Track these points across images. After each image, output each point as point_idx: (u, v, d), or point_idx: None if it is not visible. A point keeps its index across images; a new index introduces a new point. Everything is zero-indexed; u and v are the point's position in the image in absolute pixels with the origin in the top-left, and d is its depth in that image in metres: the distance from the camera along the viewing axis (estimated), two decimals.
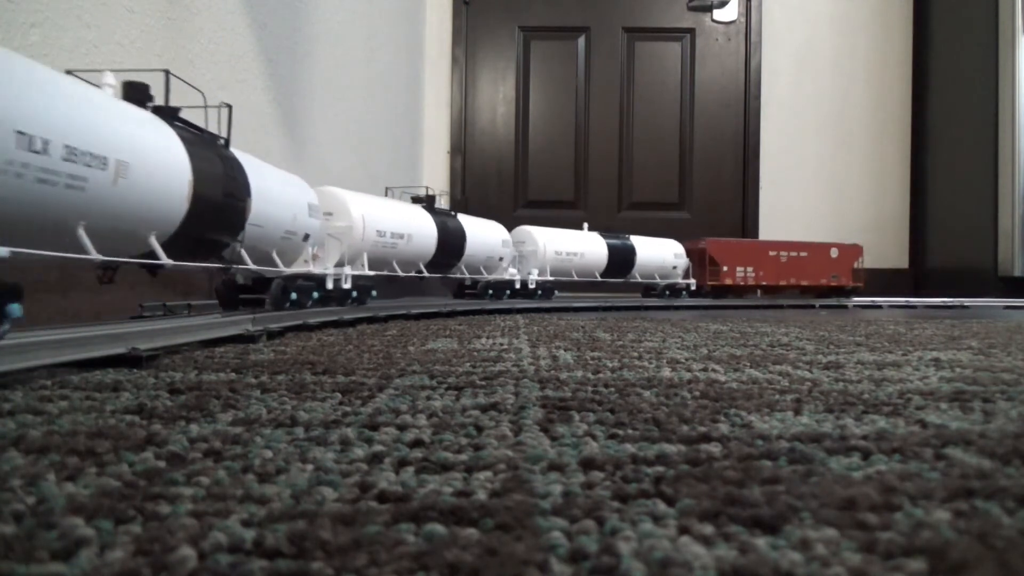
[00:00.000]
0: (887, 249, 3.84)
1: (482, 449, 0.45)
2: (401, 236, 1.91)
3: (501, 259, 2.44)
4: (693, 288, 3.17)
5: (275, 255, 1.38)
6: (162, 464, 0.41)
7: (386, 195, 2.15)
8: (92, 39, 1.22)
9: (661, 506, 0.34)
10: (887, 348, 1.14)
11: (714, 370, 0.84)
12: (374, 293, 1.84)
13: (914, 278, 3.80)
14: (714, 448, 0.45)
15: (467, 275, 2.32)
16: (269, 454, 0.43)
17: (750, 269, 3.22)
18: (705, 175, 3.80)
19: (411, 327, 1.52)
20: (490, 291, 2.38)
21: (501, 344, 1.15)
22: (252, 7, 1.76)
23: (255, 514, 0.32)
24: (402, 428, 0.51)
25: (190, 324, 1.04)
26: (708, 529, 0.31)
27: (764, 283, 3.26)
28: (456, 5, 3.76)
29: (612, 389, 0.69)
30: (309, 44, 2.13)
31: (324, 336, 1.26)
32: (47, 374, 0.75)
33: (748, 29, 3.79)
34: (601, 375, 0.79)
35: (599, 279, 2.87)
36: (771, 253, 3.30)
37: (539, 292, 2.57)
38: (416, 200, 2.20)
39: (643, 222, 3.62)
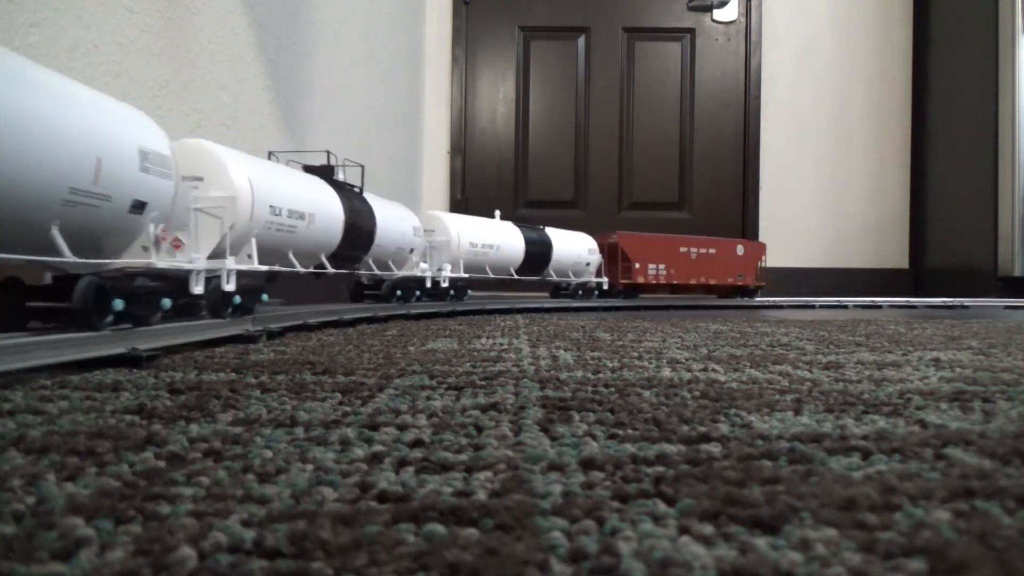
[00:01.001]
0: (887, 249, 3.84)
1: (482, 449, 0.45)
2: (302, 216, 1.40)
3: (412, 251, 1.98)
4: (605, 287, 2.90)
5: (56, 234, 0.80)
6: (162, 464, 0.41)
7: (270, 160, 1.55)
8: (92, 39, 1.22)
9: (661, 506, 0.34)
10: (887, 348, 1.14)
11: (714, 370, 0.84)
12: (265, 297, 1.33)
13: (914, 278, 3.80)
14: (714, 448, 0.45)
15: (375, 271, 1.84)
16: (269, 454, 0.43)
17: (662, 267, 2.98)
18: (705, 175, 3.80)
19: (411, 327, 1.52)
20: (398, 292, 1.90)
21: (501, 344, 1.15)
22: (252, 7, 1.76)
23: (255, 514, 0.32)
24: (402, 428, 0.51)
25: (190, 324, 1.04)
26: (708, 529, 0.31)
27: (675, 281, 3.02)
28: (456, 5, 3.76)
29: (612, 389, 0.69)
30: (309, 44, 2.13)
31: (324, 336, 1.26)
32: (47, 374, 0.75)
33: (748, 29, 3.79)
34: (601, 375, 0.79)
35: (515, 276, 2.51)
36: (682, 249, 3.06)
37: (451, 292, 2.18)
38: (309, 170, 1.61)
39: (643, 222, 3.62)
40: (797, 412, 0.58)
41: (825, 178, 3.82)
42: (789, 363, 0.92)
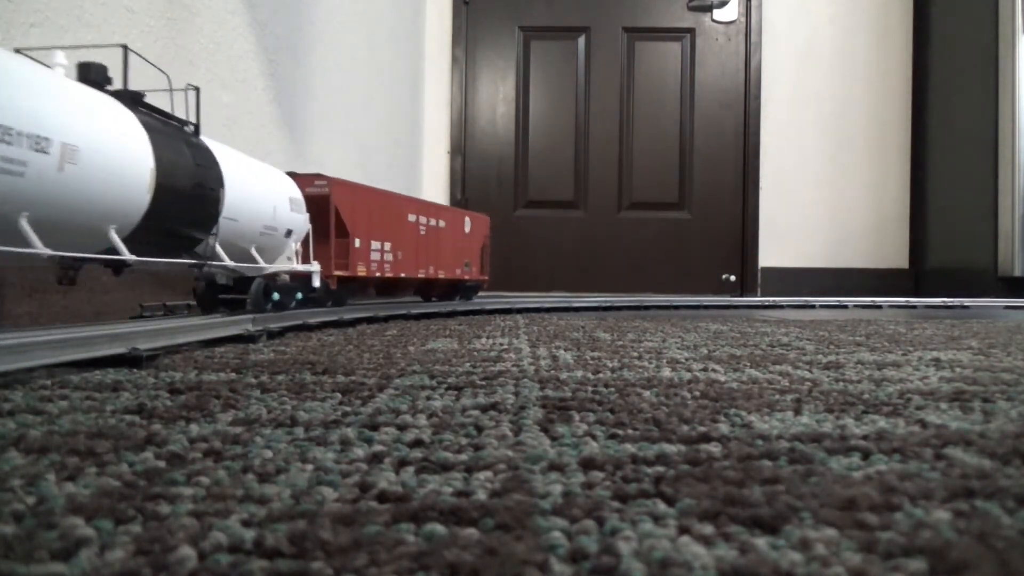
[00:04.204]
0: (887, 249, 3.84)
1: (482, 449, 0.45)
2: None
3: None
4: (316, 284, 1.48)
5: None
6: (162, 464, 0.41)
7: None
8: (92, 39, 1.22)
9: (661, 506, 0.34)
10: (887, 348, 1.14)
11: (714, 370, 0.84)
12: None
13: (914, 278, 3.80)
14: (714, 448, 0.45)
15: None
16: (269, 454, 0.43)
17: (386, 246, 1.79)
18: (705, 175, 3.80)
19: (411, 327, 1.52)
20: None
21: (501, 344, 1.15)
22: (252, 7, 1.76)
23: (255, 514, 0.32)
24: (402, 428, 0.51)
25: (190, 324, 1.04)
26: (708, 529, 0.31)
27: (402, 274, 1.87)
28: (456, 5, 3.76)
29: (612, 389, 0.69)
30: (309, 44, 2.13)
31: (324, 336, 1.26)
32: (47, 374, 0.75)
33: (748, 29, 3.79)
34: (601, 375, 0.79)
35: (127, 257, 0.89)
36: (410, 218, 1.94)
37: None
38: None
39: (643, 222, 3.61)
40: (797, 412, 0.58)
41: (825, 178, 3.82)
42: (789, 363, 0.92)
